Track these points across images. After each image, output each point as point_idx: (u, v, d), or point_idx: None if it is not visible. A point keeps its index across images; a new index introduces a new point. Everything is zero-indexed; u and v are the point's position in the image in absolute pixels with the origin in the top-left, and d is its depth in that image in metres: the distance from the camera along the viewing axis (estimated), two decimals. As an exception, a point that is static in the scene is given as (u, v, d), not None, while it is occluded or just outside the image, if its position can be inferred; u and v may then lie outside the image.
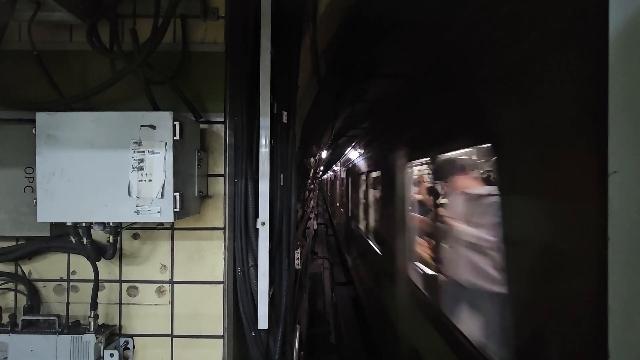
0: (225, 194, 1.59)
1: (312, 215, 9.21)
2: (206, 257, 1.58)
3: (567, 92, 1.15)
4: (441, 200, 2.58)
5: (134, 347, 1.57)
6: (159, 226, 1.58)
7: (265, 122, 1.60)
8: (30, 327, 1.44)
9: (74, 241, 1.40)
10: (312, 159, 5.34)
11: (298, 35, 1.83)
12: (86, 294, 1.53)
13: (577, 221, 1.01)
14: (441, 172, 2.54)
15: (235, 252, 1.62)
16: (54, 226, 1.51)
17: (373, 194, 5.48)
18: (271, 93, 1.60)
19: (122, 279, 1.58)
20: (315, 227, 10.00)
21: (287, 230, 1.72)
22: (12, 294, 1.58)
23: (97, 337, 1.44)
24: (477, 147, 1.93)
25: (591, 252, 0.83)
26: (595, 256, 0.77)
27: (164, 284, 1.58)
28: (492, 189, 1.88)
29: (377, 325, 4.70)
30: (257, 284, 1.59)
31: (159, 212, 1.28)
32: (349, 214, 9.02)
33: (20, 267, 1.57)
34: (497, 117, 1.61)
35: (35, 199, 1.28)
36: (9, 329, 1.42)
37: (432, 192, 2.67)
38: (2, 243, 1.55)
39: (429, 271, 2.72)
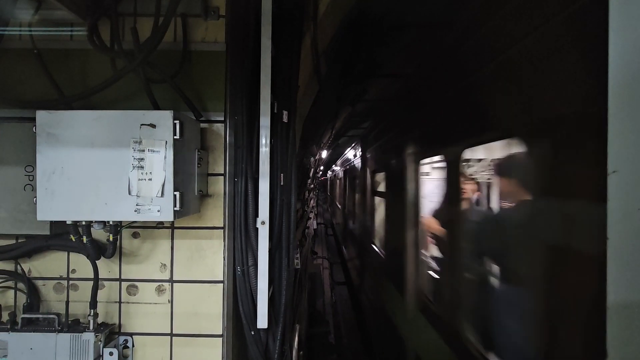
0: (225, 193, 1.59)
1: (312, 215, 9.22)
2: (206, 256, 1.58)
3: (567, 92, 1.15)
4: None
5: (133, 346, 1.57)
6: (159, 225, 1.58)
7: (265, 122, 1.60)
8: (30, 326, 1.44)
9: (73, 240, 1.40)
10: (312, 159, 5.34)
11: (299, 34, 1.83)
12: (86, 292, 1.53)
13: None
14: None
15: (235, 251, 1.62)
16: (54, 224, 1.50)
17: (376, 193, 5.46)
18: (271, 92, 1.60)
19: (122, 277, 1.58)
20: (315, 226, 10.01)
21: (287, 230, 1.72)
22: (11, 292, 1.58)
23: (96, 336, 1.44)
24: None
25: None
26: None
27: (163, 283, 1.58)
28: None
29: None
30: (256, 283, 1.59)
31: (159, 211, 1.28)
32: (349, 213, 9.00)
33: (20, 266, 1.57)
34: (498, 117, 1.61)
35: (36, 197, 1.28)
36: (9, 327, 1.42)
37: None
38: (2, 241, 1.55)
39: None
